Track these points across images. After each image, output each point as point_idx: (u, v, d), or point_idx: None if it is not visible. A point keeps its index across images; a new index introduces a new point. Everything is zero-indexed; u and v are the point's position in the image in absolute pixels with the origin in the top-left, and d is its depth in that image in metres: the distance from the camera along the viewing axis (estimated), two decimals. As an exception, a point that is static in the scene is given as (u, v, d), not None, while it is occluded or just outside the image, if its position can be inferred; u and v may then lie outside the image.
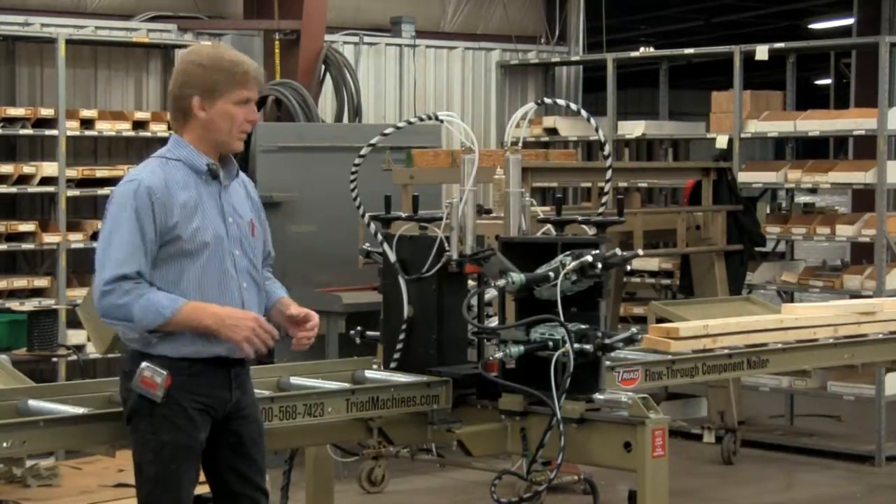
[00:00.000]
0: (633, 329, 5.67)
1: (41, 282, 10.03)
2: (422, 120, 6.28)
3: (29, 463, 7.76)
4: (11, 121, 9.87)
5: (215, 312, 4.72)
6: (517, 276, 5.49)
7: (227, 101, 4.79)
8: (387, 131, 6.18)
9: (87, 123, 10.17)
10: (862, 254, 11.55)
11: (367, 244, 6.40)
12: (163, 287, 4.71)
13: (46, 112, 10.01)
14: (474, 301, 5.86)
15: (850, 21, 16.59)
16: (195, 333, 4.72)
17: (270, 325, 4.82)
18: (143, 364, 4.70)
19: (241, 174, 5.06)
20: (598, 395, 5.51)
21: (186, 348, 4.74)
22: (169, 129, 10.26)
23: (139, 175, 4.76)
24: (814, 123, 10.80)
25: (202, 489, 5.02)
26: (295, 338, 5.02)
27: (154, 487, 4.77)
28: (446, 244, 5.91)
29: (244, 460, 4.93)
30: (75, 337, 9.72)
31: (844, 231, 10.60)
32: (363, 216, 6.25)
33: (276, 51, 11.27)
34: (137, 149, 10.89)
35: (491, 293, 6.04)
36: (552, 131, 12.34)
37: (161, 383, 4.69)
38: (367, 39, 12.34)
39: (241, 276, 4.86)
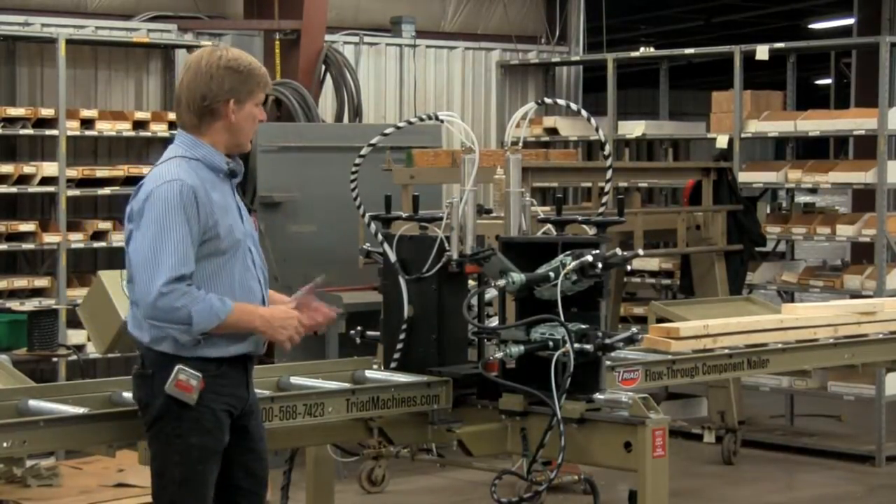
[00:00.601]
0: (634, 329, 5.67)
1: (41, 282, 10.03)
2: (422, 120, 6.28)
3: (29, 463, 7.76)
4: (12, 121, 9.87)
5: (262, 314, 4.82)
6: (517, 276, 5.50)
7: (252, 103, 4.89)
8: (387, 131, 6.18)
9: (87, 123, 10.17)
10: (862, 254, 11.55)
11: (368, 244, 6.40)
12: (199, 285, 4.72)
13: (47, 112, 10.01)
14: (474, 301, 5.86)
15: (850, 21, 16.59)
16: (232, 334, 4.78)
17: (312, 323, 4.95)
18: (178, 367, 4.70)
19: None
20: (598, 395, 5.51)
21: (213, 349, 4.76)
22: (169, 128, 10.36)
23: (176, 175, 4.75)
24: (814, 123, 10.81)
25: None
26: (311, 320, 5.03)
27: (178, 490, 4.77)
28: (446, 244, 5.91)
29: (251, 455, 4.97)
30: (75, 337, 9.72)
31: (845, 231, 10.61)
32: (363, 216, 6.25)
33: (277, 51, 11.28)
34: (137, 149, 10.91)
35: (491, 293, 6.04)
36: (552, 131, 12.35)
37: (196, 386, 4.70)
38: (367, 39, 12.34)
39: (258, 271, 4.95)
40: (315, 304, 5.04)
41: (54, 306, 9.74)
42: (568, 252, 5.51)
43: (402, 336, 5.98)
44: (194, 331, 4.68)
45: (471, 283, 6.06)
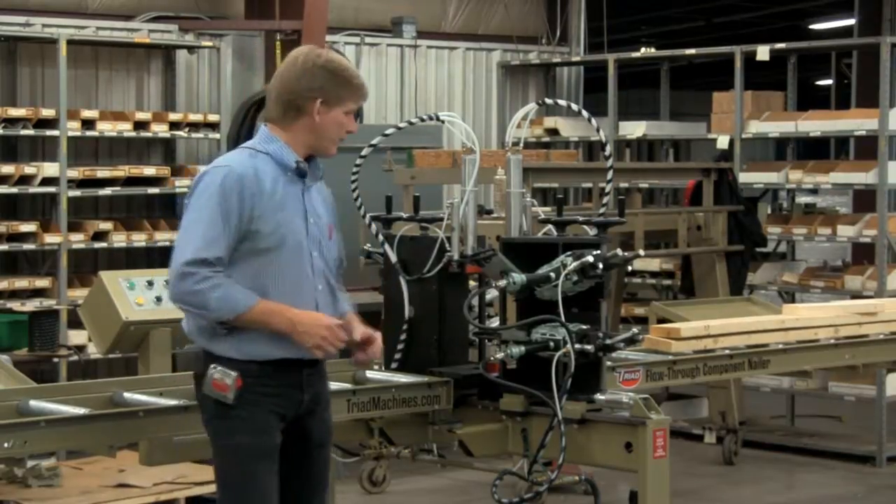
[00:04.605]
0: (634, 329, 5.66)
1: (42, 282, 10.03)
2: (423, 120, 6.28)
3: (30, 463, 7.77)
4: (13, 121, 9.86)
5: (289, 318, 4.66)
6: (518, 277, 5.49)
7: (341, 109, 4.83)
8: (388, 132, 6.18)
9: (88, 124, 10.16)
10: (863, 254, 11.56)
11: (369, 245, 6.41)
12: (240, 283, 4.66)
13: (47, 112, 10.00)
14: (475, 301, 5.86)
15: (850, 21, 16.59)
16: (263, 334, 4.67)
17: (341, 330, 4.73)
18: (213, 366, 4.66)
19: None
20: (599, 396, 5.50)
21: (254, 349, 4.68)
22: (170, 129, 10.38)
23: (230, 162, 4.74)
24: (815, 124, 10.81)
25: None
26: (355, 359, 4.97)
27: (235, 492, 4.71)
28: (447, 244, 5.91)
29: (307, 461, 4.88)
30: (76, 337, 9.72)
31: (845, 231, 10.61)
32: (364, 217, 6.25)
33: (278, 51, 11.27)
34: (138, 149, 10.91)
35: (492, 293, 6.04)
36: (553, 132, 12.35)
37: (231, 385, 4.63)
38: (368, 40, 12.34)
39: (317, 278, 4.80)
40: (369, 335, 4.94)
41: (55, 307, 9.72)
42: (569, 252, 5.51)
43: (402, 336, 5.99)
44: (211, 317, 4.61)
45: (471, 283, 6.06)
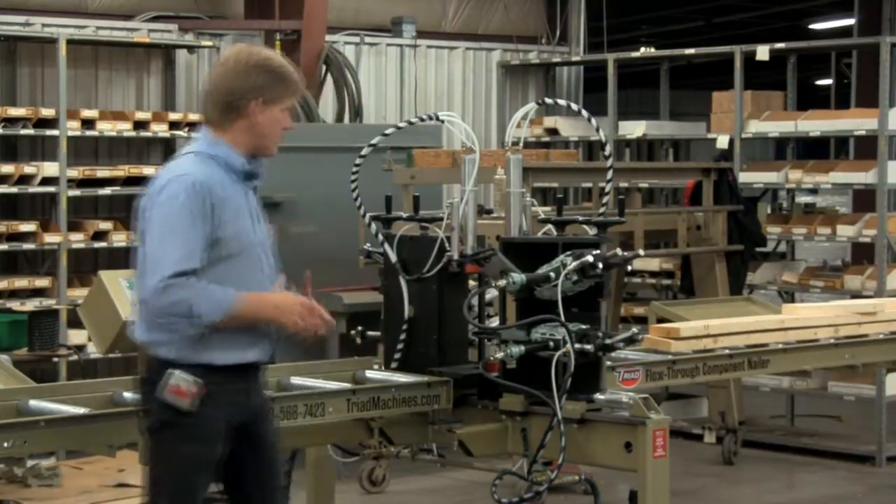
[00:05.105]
0: (634, 329, 5.67)
1: (42, 282, 10.03)
2: (423, 120, 6.28)
3: (30, 463, 7.77)
4: (12, 121, 9.86)
5: (269, 301, 4.68)
6: (518, 277, 5.50)
7: (279, 107, 4.81)
8: (388, 131, 6.18)
9: (87, 123, 10.16)
10: (863, 254, 11.55)
11: (368, 244, 6.41)
12: None
13: (47, 112, 10.00)
14: (475, 301, 5.86)
15: (850, 21, 16.59)
16: (231, 338, 4.64)
17: (319, 308, 4.73)
18: (172, 371, 4.58)
19: None
20: (598, 396, 5.51)
21: (223, 355, 4.65)
22: (170, 128, 10.37)
23: (189, 170, 4.66)
24: (815, 124, 10.81)
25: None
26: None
27: (171, 501, 4.66)
28: (447, 244, 5.92)
29: (260, 464, 4.85)
30: (76, 337, 9.71)
31: (845, 231, 10.61)
32: (364, 216, 6.26)
33: (277, 51, 11.26)
34: (138, 149, 10.91)
35: (492, 293, 6.05)
36: (553, 131, 12.35)
37: (195, 392, 4.55)
38: (367, 40, 12.34)
39: (269, 281, 4.79)
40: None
41: (55, 306, 9.73)
42: (568, 252, 5.52)
43: (402, 336, 5.99)
44: (201, 322, 4.54)
45: (471, 283, 6.07)
